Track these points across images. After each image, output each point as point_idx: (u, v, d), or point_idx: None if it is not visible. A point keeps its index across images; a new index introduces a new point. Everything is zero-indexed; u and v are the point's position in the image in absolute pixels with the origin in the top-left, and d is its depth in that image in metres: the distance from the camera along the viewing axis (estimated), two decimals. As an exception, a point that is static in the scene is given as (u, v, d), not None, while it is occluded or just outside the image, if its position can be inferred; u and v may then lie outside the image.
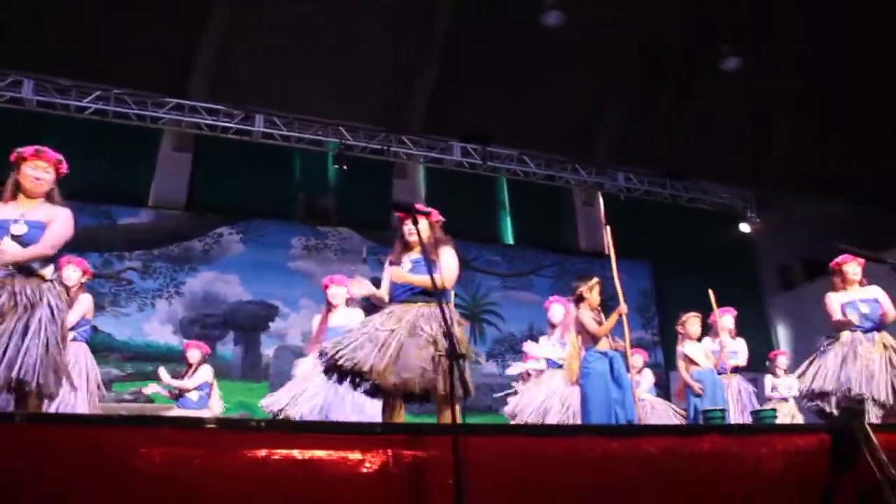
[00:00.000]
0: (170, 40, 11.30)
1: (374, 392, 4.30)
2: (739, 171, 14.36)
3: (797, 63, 14.04)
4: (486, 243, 12.96)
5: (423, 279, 4.32)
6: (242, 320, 11.32)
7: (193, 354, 7.96)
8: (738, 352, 7.77)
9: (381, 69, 12.42)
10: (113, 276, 10.77)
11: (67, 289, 5.43)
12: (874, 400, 5.32)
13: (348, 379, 4.25)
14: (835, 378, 5.50)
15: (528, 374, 7.79)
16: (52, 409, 5.15)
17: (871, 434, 3.33)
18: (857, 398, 5.03)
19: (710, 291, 7.68)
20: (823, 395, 5.57)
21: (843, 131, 14.05)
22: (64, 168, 4.25)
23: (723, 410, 5.05)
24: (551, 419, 6.48)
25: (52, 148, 4.24)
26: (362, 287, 4.63)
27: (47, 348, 3.86)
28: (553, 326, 7.29)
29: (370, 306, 5.63)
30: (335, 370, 4.20)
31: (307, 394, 5.90)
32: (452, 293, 6.16)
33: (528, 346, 7.47)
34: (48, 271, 4.07)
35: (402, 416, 4.35)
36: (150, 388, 8.23)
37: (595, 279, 5.89)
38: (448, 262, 4.49)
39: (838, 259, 6.05)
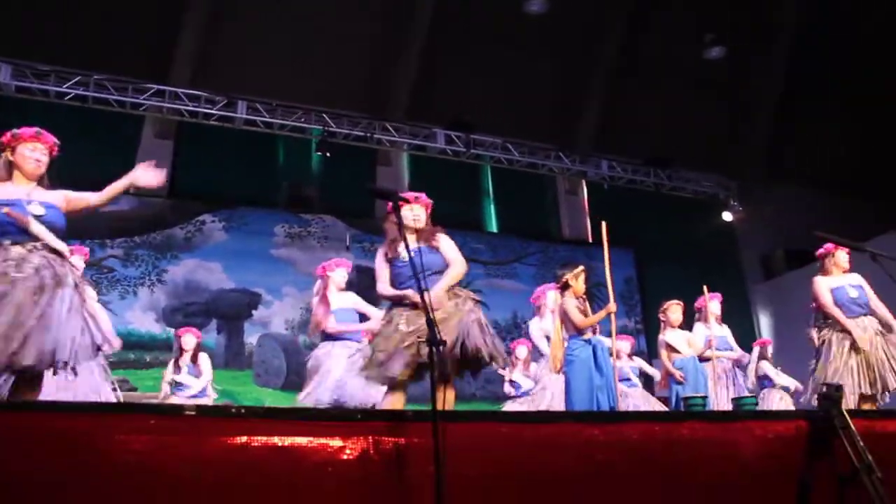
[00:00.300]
0: (151, 25, 11.21)
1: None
2: (722, 159, 14.43)
3: (779, 53, 14.13)
4: (470, 231, 12.94)
5: (455, 276, 4.38)
6: (225, 308, 11.28)
7: (189, 340, 7.90)
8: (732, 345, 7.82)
9: (365, 56, 12.39)
10: (94, 263, 10.69)
11: None
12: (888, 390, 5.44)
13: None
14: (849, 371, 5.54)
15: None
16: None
17: (849, 420, 3.36)
18: (836, 385, 5.06)
19: (705, 287, 7.72)
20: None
21: (825, 121, 14.14)
22: (56, 152, 4.22)
23: (704, 397, 5.09)
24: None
25: None
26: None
27: (81, 330, 3.85)
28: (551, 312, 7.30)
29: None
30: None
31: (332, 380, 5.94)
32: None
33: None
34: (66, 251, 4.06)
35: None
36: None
37: (580, 267, 5.88)
38: (452, 246, 4.53)
39: (829, 245, 6.06)
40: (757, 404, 5.65)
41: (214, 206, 11.65)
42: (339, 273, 6.50)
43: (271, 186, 12.33)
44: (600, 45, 13.31)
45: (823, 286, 5.93)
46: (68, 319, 3.77)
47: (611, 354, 5.64)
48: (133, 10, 10.93)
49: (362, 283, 7.43)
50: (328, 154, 11.86)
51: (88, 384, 5.85)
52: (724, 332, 7.86)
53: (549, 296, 7.26)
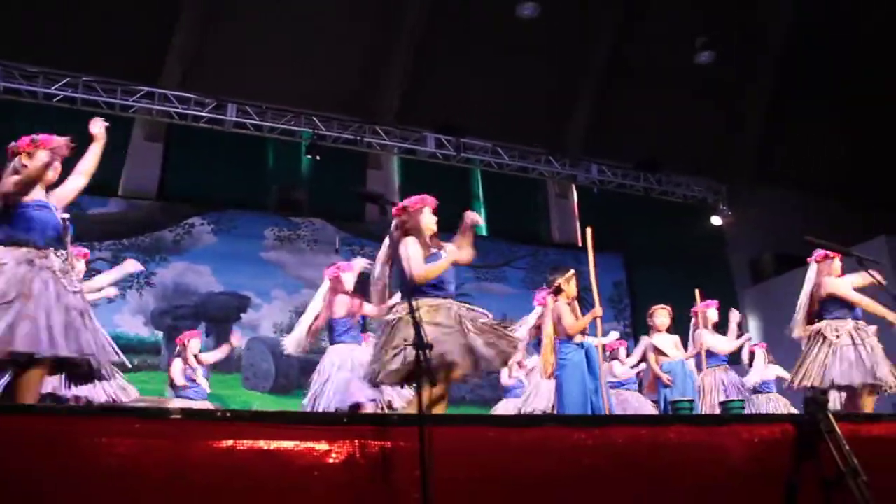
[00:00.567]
0: (141, 27, 11.18)
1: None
2: (711, 164, 14.48)
3: (768, 58, 14.20)
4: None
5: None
6: (214, 311, 11.24)
7: (195, 344, 7.95)
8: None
9: (355, 59, 12.39)
10: (82, 266, 10.65)
11: None
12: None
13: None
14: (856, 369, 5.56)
15: None
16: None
17: (835, 424, 3.37)
18: (821, 389, 5.10)
19: (697, 291, 7.75)
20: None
21: (814, 126, 14.21)
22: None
23: (691, 401, 5.11)
24: None
25: (19, 135, 4.24)
26: None
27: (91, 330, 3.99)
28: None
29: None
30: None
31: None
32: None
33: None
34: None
35: None
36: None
37: (571, 271, 5.95)
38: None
39: (826, 252, 6.07)
40: (744, 408, 5.67)
41: (204, 208, 11.62)
42: (349, 276, 6.54)
43: (261, 189, 12.31)
44: (590, 48, 13.35)
45: (845, 284, 5.92)
46: (80, 318, 3.90)
47: (612, 358, 5.67)
48: (123, 11, 10.90)
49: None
50: (318, 157, 11.85)
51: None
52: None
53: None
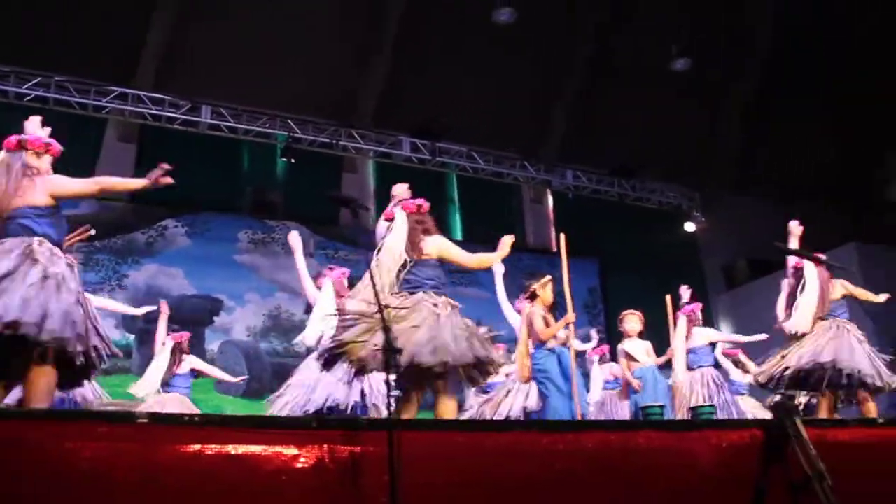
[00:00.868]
0: (115, 27, 11.08)
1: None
2: (686, 170, 14.59)
3: (745, 64, 14.33)
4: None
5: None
6: (186, 314, 11.11)
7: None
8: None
9: (332, 62, 12.35)
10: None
11: None
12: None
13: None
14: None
15: None
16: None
17: (802, 429, 3.40)
18: (789, 394, 5.16)
19: (668, 297, 7.78)
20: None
21: (789, 134, 14.35)
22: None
23: (662, 406, 5.14)
24: None
25: None
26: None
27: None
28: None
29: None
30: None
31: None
32: None
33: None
34: None
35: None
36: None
37: (548, 277, 5.99)
38: None
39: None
40: (715, 413, 5.71)
41: (177, 210, 11.54)
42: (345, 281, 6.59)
43: (235, 192, 12.25)
44: (568, 54, 13.41)
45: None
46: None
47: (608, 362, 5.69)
48: (97, 11, 10.79)
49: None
50: (293, 160, 11.81)
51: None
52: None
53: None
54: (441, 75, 12.58)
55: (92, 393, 6.74)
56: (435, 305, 4.26)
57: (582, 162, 13.94)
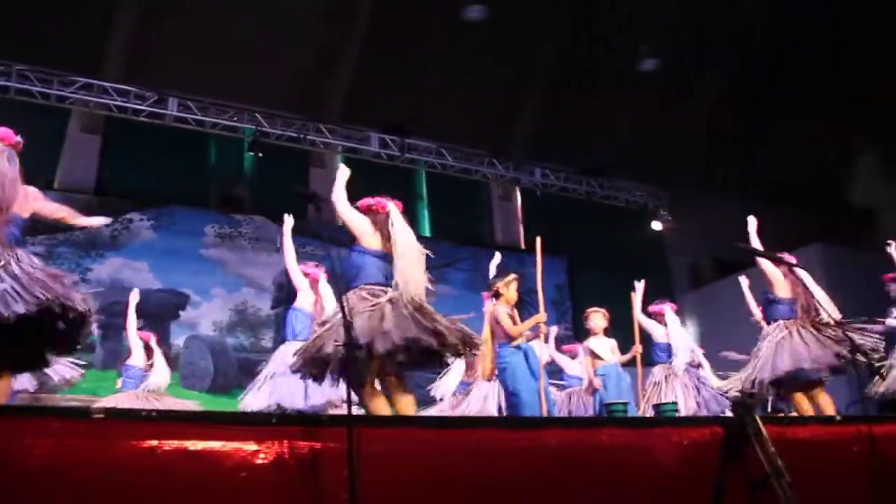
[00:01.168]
0: (80, 15, 10.89)
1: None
2: (653, 170, 14.68)
3: (712, 65, 14.45)
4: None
5: None
6: (151, 309, 10.98)
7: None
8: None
9: (301, 56, 12.27)
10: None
11: None
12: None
13: None
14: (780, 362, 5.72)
15: None
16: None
17: (762, 427, 3.44)
18: (748, 392, 5.22)
19: (633, 294, 7.81)
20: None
21: (754, 134, 14.50)
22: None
23: (625, 403, 5.16)
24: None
25: None
26: None
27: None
28: None
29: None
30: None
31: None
32: None
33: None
34: None
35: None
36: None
37: (512, 275, 5.97)
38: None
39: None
40: (678, 410, 5.75)
41: (143, 204, 11.40)
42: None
43: (202, 186, 12.15)
44: (537, 53, 13.43)
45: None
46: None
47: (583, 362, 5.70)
48: (62, -1, 10.63)
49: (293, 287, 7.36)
50: (260, 154, 11.72)
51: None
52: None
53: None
54: (411, 71, 12.54)
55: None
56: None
57: (550, 160, 14.00)
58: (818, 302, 5.73)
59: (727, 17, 13.88)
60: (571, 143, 13.75)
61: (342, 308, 2.84)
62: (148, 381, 7.87)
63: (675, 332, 7.68)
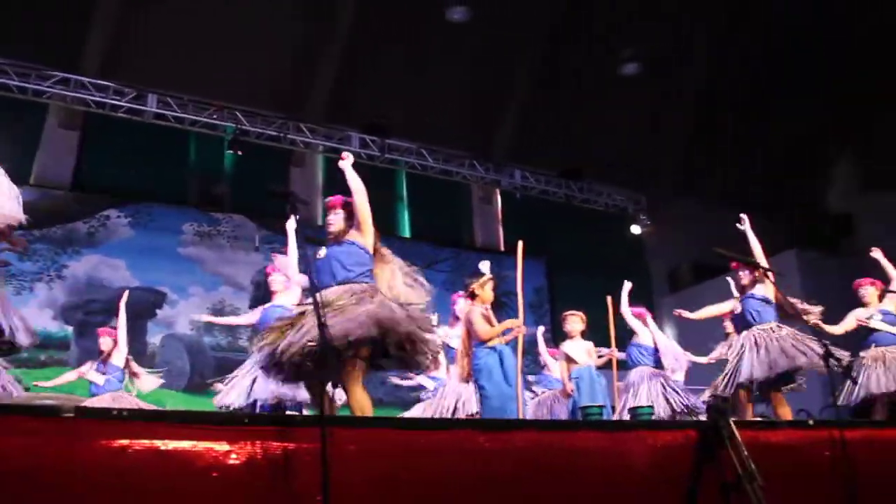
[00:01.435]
0: (59, 9, 10.79)
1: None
2: (634, 173, 14.76)
3: (692, 71, 14.54)
4: (383, 235, 12.79)
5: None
6: (128, 307, 10.90)
7: (106, 342, 7.74)
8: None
9: (283, 55, 12.23)
10: (-14, 256, 10.26)
11: None
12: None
13: None
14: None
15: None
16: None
17: (735, 430, 3.46)
18: (723, 397, 5.26)
19: (609, 298, 7.82)
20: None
21: (734, 139, 14.59)
22: None
23: (601, 407, 5.17)
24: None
25: None
26: None
27: None
28: (458, 319, 7.36)
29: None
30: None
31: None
32: None
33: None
34: None
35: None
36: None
37: (487, 276, 5.93)
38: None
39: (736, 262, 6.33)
40: (653, 414, 5.78)
41: (120, 200, 11.33)
42: (274, 276, 6.61)
43: (181, 183, 12.08)
44: (520, 55, 13.46)
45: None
46: None
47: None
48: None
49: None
50: (240, 152, 11.66)
51: None
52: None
53: (459, 304, 7.29)
54: (392, 72, 12.53)
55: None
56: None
57: (530, 163, 14.03)
58: (795, 306, 5.78)
59: (706, 24, 13.98)
60: (552, 146, 13.80)
61: (317, 309, 2.81)
62: (140, 385, 7.81)
63: (662, 337, 7.71)
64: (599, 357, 7.64)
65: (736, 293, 6.49)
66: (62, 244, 10.77)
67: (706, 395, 6.52)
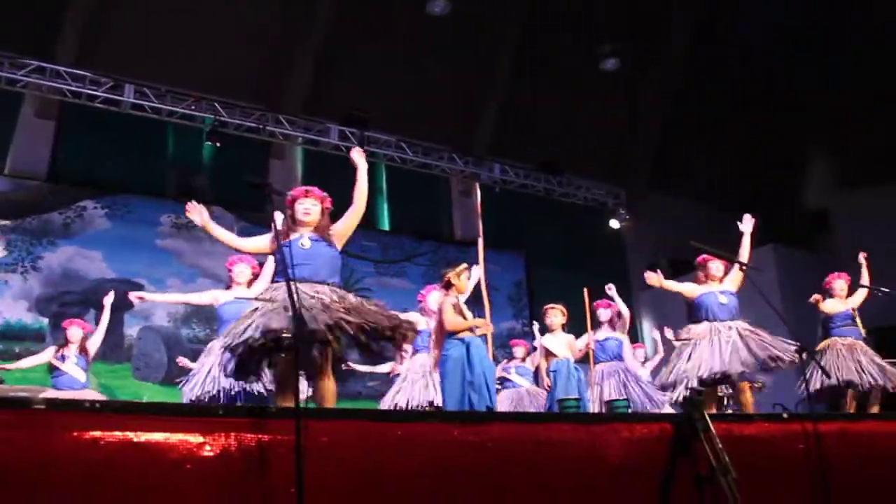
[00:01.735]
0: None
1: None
2: (613, 168, 14.82)
3: (671, 66, 14.60)
4: (362, 228, 12.75)
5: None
6: (104, 298, 10.84)
7: (75, 333, 7.59)
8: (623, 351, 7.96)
9: (262, 46, 12.15)
10: (-41, 247, 10.16)
11: None
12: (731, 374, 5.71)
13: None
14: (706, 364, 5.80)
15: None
16: None
17: (709, 423, 3.48)
18: (697, 389, 5.29)
19: (586, 290, 7.84)
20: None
21: (713, 134, 14.67)
22: None
23: (578, 399, 5.18)
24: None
25: None
26: None
27: None
28: (426, 313, 7.36)
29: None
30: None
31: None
32: None
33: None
34: None
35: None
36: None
37: (463, 265, 5.90)
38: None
39: (702, 257, 6.40)
40: (629, 407, 5.81)
41: (97, 191, 11.19)
42: (239, 268, 6.36)
43: (159, 174, 11.96)
44: (499, 48, 13.45)
45: (692, 289, 6.36)
46: None
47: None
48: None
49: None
50: (219, 144, 11.57)
51: None
52: (620, 337, 8.01)
53: (430, 298, 7.28)
54: (372, 65, 12.49)
55: None
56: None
57: (510, 156, 14.04)
58: (770, 303, 5.82)
59: (684, 19, 14.06)
60: (531, 140, 13.81)
61: (291, 299, 2.79)
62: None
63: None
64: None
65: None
66: (37, 235, 10.64)
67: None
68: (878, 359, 6.93)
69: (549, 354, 7.23)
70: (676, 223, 14.22)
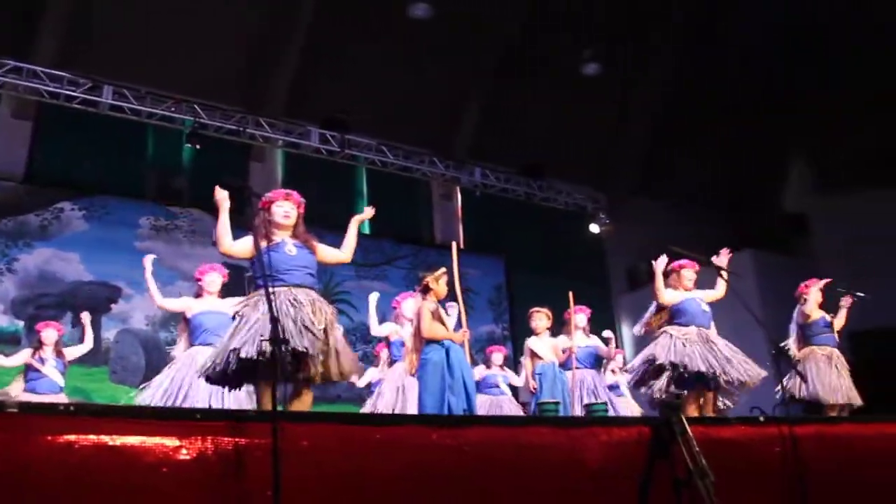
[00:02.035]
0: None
1: None
2: (594, 172, 14.87)
3: (655, 71, 14.69)
4: (342, 232, 12.75)
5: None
6: (82, 301, 10.71)
7: (50, 335, 7.55)
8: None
9: (242, 48, 12.11)
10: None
11: None
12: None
13: None
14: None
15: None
16: None
17: (687, 427, 3.50)
18: (676, 392, 5.32)
19: (571, 293, 7.86)
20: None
21: (691, 138, 14.75)
22: None
23: (557, 403, 5.19)
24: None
25: None
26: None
27: None
28: (399, 319, 7.40)
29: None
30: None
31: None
32: None
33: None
34: None
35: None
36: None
37: (442, 269, 5.88)
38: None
39: (680, 262, 6.41)
40: (608, 411, 5.83)
41: (75, 193, 11.09)
42: (211, 277, 6.30)
43: (138, 176, 11.88)
44: (482, 51, 13.47)
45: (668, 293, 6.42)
46: None
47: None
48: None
49: (232, 281, 7.19)
50: (198, 146, 11.51)
51: None
52: (593, 343, 8.02)
53: (405, 305, 7.29)
54: (353, 68, 12.47)
55: None
56: None
57: (491, 160, 14.06)
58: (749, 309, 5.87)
59: (666, 24, 14.14)
60: (512, 144, 13.84)
61: (269, 303, 2.78)
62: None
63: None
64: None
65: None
66: (13, 237, 10.53)
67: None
68: (846, 373, 6.97)
69: (534, 357, 7.25)
70: (656, 228, 14.29)
